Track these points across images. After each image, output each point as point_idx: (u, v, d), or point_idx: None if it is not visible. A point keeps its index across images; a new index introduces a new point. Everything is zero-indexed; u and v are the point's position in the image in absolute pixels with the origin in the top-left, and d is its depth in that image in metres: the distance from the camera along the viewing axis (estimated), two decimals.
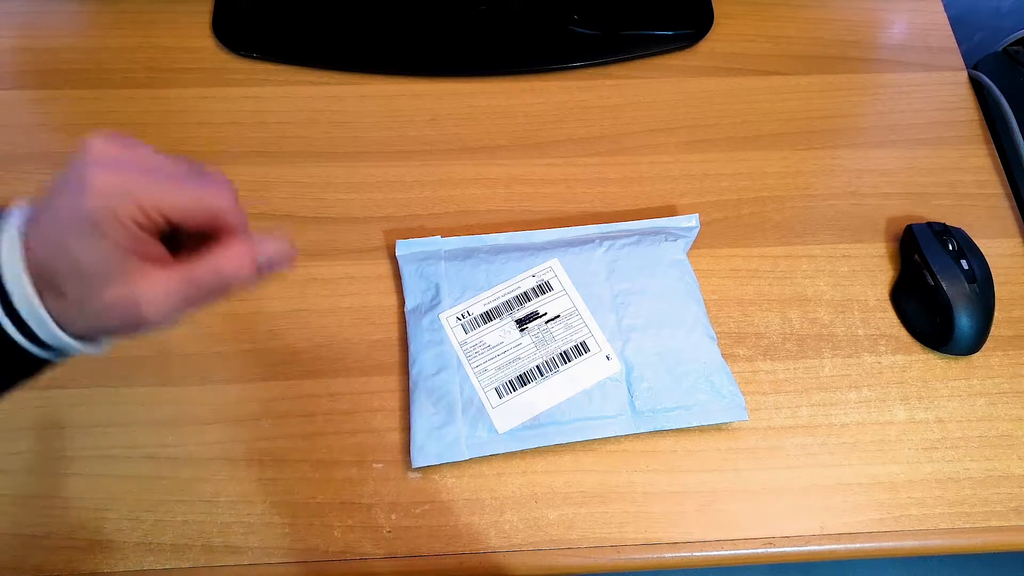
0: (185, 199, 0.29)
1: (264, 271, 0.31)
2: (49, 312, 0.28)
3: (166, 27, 0.64)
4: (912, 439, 0.49)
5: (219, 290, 0.30)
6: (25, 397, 0.48)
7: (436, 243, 0.53)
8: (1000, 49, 0.64)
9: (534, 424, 0.47)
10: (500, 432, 0.47)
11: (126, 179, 0.28)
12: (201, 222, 0.30)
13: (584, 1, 0.65)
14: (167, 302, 0.29)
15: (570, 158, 0.59)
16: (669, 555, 0.46)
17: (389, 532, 0.46)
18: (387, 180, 0.57)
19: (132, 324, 0.29)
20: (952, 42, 0.66)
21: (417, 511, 0.46)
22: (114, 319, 0.29)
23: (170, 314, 0.29)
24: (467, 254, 0.53)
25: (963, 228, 0.55)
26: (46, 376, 0.49)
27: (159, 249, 0.29)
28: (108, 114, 0.59)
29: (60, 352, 0.30)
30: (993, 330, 0.52)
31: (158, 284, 0.28)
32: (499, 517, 0.46)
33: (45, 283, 0.28)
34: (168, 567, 0.44)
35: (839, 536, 0.47)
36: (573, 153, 0.59)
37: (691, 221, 0.54)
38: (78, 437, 0.47)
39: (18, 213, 0.28)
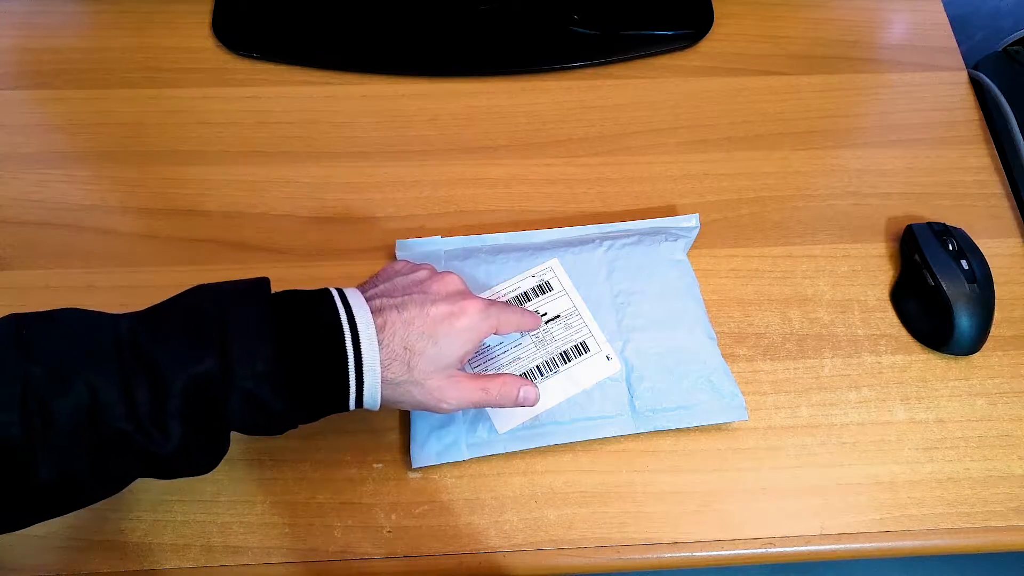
0: (515, 324, 0.45)
1: (519, 404, 0.43)
2: (382, 382, 0.38)
3: (166, 27, 0.64)
4: (912, 439, 0.49)
5: (489, 404, 0.42)
6: None
7: (436, 243, 0.53)
8: (1000, 49, 0.64)
9: (534, 424, 0.47)
10: (500, 432, 0.47)
11: (488, 307, 0.41)
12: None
13: (584, 1, 0.65)
14: (461, 400, 0.40)
15: (570, 158, 0.59)
16: (669, 555, 0.46)
17: (389, 532, 0.46)
18: (387, 180, 0.57)
19: (431, 405, 0.40)
20: (952, 42, 0.66)
21: (417, 511, 0.46)
22: (425, 397, 0.39)
23: (456, 407, 0.41)
24: (467, 254, 0.53)
25: (963, 228, 0.55)
26: None
27: (464, 364, 0.42)
28: (108, 114, 0.59)
29: (360, 407, 0.39)
30: (993, 330, 0.52)
31: (464, 387, 0.40)
32: (499, 517, 0.46)
33: (396, 358, 0.38)
34: (168, 567, 0.44)
35: (839, 536, 0.47)
36: (573, 153, 0.59)
37: (691, 221, 0.54)
38: None
39: (358, 298, 0.38)
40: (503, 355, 0.49)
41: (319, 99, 0.61)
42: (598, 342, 0.49)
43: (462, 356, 0.40)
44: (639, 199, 0.57)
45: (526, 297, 0.50)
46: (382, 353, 0.37)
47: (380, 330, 0.37)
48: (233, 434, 0.45)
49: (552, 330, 0.50)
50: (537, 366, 0.48)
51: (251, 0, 0.65)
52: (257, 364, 0.35)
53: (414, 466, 0.46)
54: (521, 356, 0.49)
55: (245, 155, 0.58)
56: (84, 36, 0.63)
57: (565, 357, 0.49)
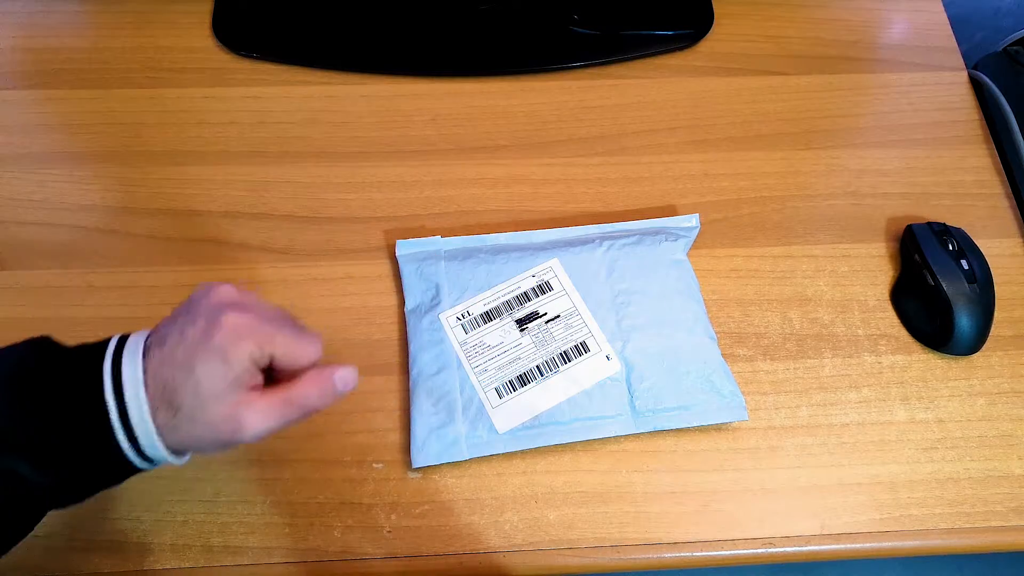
0: (291, 348, 0.35)
1: (341, 391, 0.36)
2: (156, 428, 0.33)
3: (166, 27, 0.64)
4: (912, 439, 0.49)
5: (306, 413, 0.36)
6: None
7: (436, 243, 0.53)
8: (1000, 49, 0.64)
9: (534, 424, 0.47)
10: (500, 432, 0.47)
11: (250, 322, 0.34)
12: (295, 366, 0.36)
13: (584, 1, 0.65)
14: (263, 423, 0.34)
15: (570, 158, 0.59)
16: (669, 555, 0.46)
17: (389, 532, 0.46)
18: (387, 180, 0.57)
19: (228, 439, 0.34)
20: (952, 42, 0.66)
21: (417, 511, 0.46)
22: (216, 433, 0.34)
23: (262, 433, 0.34)
24: (467, 254, 0.53)
25: (963, 228, 0.55)
26: None
27: (259, 379, 0.35)
28: (108, 114, 0.59)
29: (153, 463, 0.34)
30: (993, 330, 0.52)
31: (259, 408, 0.34)
32: (499, 517, 0.46)
33: (160, 399, 0.33)
34: (168, 567, 0.44)
35: (839, 536, 0.47)
36: (573, 153, 0.59)
37: (691, 221, 0.54)
38: None
39: (135, 340, 0.34)
40: (502, 356, 0.49)
41: (319, 99, 0.61)
42: (598, 342, 0.49)
43: (235, 378, 0.33)
44: (639, 199, 0.57)
45: (526, 297, 0.50)
46: (149, 398, 0.33)
47: (145, 372, 0.33)
48: None
49: (552, 330, 0.50)
50: (537, 366, 0.48)
51: (251, 0, 0.65)
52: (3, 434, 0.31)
53: (414, 466, 0.46)
54: (521, 356, 0.49)
55: (245, 155, 0.58)
56: (84, 36, 0.63)
57: (565, 357, 0.49)
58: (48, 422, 0.32)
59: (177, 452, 0.35)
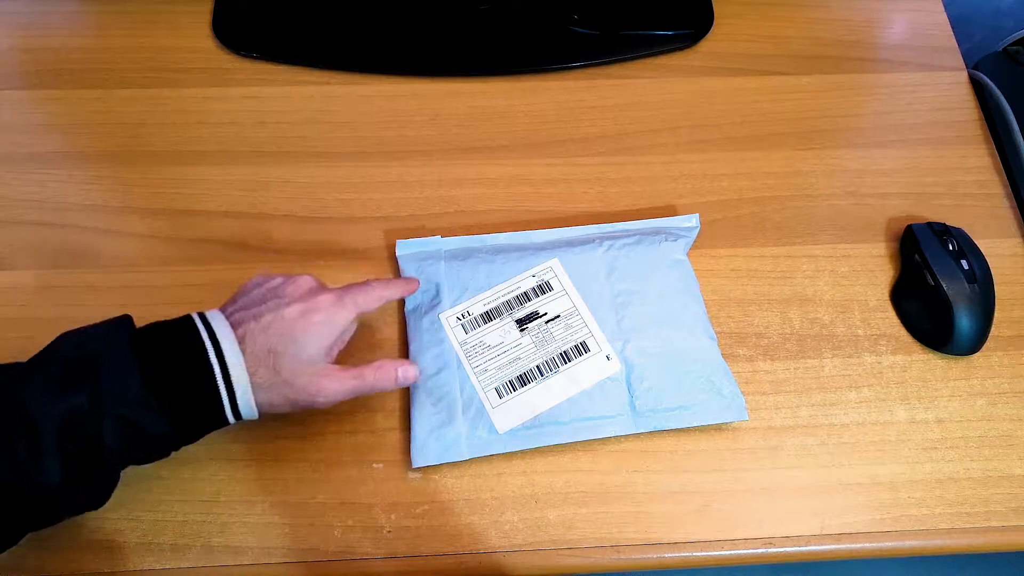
0: (376, 296, 0.45)
1: (400, 384, 0.44)
2: (252, 387, 0.39)
3: (166, 27, 0.64)
4: (912, 439, 0.49)
5: (371, 390, 0.43)
6: None
7: (436, 243, 0.53)
8: (1000, 49, 0.64)
9: (534, 424, 0.47)
10: (500, 432, 0.47)
11: (342, 296, 0.43)
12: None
13: (584, 1, 0.65)
14: (336, 393, 0.41)
15: (570, 158, 0.59)
16: (669, 555, 0.46)
17: (389, 532, 0.46)
18: (387, 180, 0.57)
19: (309, 401, 0.41)
20: (952, 42, 0.66)
21: (417, 511, 0.46)
22: (302, 394, 0.40)
23: (335, 399, 0.42)
24: (467, 254, 0.53)
25: (963, 228, 0.55)
26: None
27: (335, 356, 0.44)
28: (108, 114, 0.59)
29: (239, 419, 0.40)
30: (993, 330, 0.52)
31: (335, 380, 0.41)
32: (499, 517, 0.46)
33: (261, 363, 0.39)
34: (168, 567, 0.44)
35: (839, 536, 0.47)
36: (573, 153, 0.59)
37: (691, 221, 0.54)
38: None
39: (215, 315, 0.40)
40: (502, 356, 0.49)
41: (319, 99, 0.61)
42: (598, 342, 0.49)
43: (326, 348, 0.42)
44: (639, 199, 0.57)
45: (526, 297, 0.50)
46: (247, 361, 0.39)
47: (241, 340, 0.39)
48: (233, 434, 0.45)
49: (552, 330, 0.50)
50: (537, 366, 0.48)
51: (251, 0, 0.65)
52: (129, 391, 0.37)
53: (414, 466, 0.46)
54: (521, 356, 0.49)
55: (245, 155, 0.58)
56: (84, 36, 0.63)
57: (565, 357, 0.49)
58: (166, 382, 0.38)
59: (260, 411, 0.40)
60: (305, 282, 0.43)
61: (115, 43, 0.63)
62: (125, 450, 0.38)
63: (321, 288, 0.43)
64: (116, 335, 0.39)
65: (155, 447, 0.39)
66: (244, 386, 0.39)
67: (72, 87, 0.60)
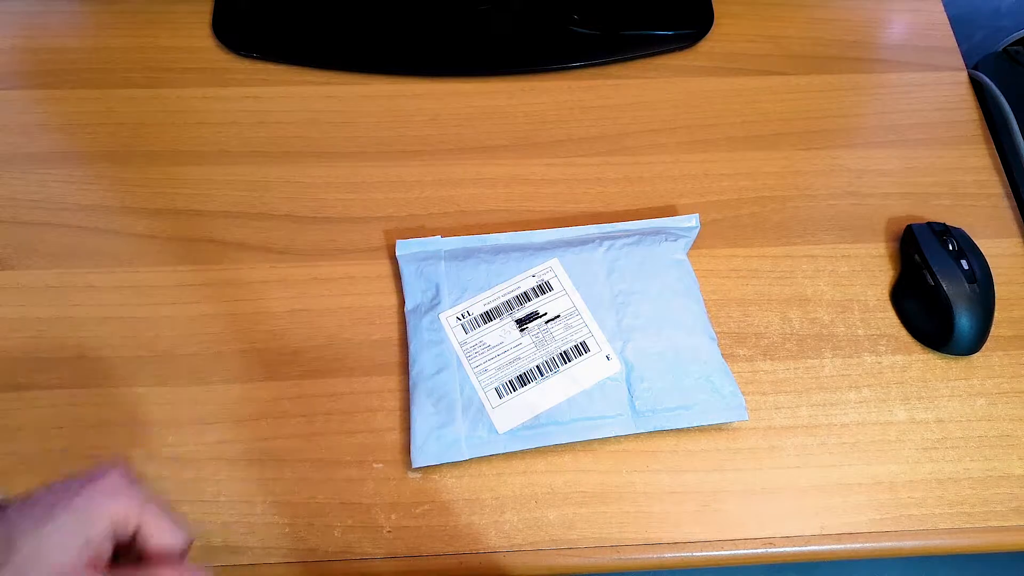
0: (160, 523, 0.32)
1: None
2: None
3: (166, 27, 0.64)
4: (912, 439, 0.49)
5: None
6: (25, 397, 0.48)
7: (436, 243, 0.53)
8: (1000, 49, 0.64)
9: (534, 424, 0.47)
10: (500, 432, 0.47)
11: (126, 487, 0.32)
12: (158, 547, 0.32)
13: (584, 1, 0.65)
14: None
15: (570, 158, 0.59)
16: (669, 555, 0.46)
17: (389, 532, 0.46)
18: (387, 180, 0.57)
19: None
20: (952, 42, 0.66)
21: (417, 511, 0.46)
22: None
23: None
24: (467, 254, 0.53)
25: (963, 228, 0.55)
26: (46, 376, 0.49)
27: (107, 553, 0.31)
28: (108, 114, 0.59)
29: None
30: (993, 330, 0.52)
31: None
32: (499, 517, 0.46)
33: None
34: None
35: (839, 536, 0.47)
36: (573, 153, 0.59)
37: (691, 221, 0.54)
38: (79, 437, 0.47)
39: None
40: (502, 356, 0.49)
41: (319, 99, 0.61)
42: (598, 342, 0.49)
43: (87, 540, 0.30)
44: (639, 199, 0.57)
45: (526, 297, 0.50)
46: None
47: None
48: (233, 434, 0.45)
49: (552, 330, 0.50)
50: (537, 366, 0.48)
51: (251, 0, 0.65)
52: None
53: (414, 466, 0.46)
54: (521, 356, 0.49)
55: (245, 155, 0.58)
56: (84, 36, 0.63)
57: (565, 357, 0.49)
58: None
59: None
60: (104, 469, 0.33)
61: (115, 43, 0.63)
62: None
63: (117, 474, 0.33)
64: None
65: None
66: None
67: (72, 87, 0.60)
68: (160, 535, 0.32)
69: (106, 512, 0.31)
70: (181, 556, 0.34)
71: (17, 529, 0.30)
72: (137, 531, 0.32)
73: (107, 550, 0.31)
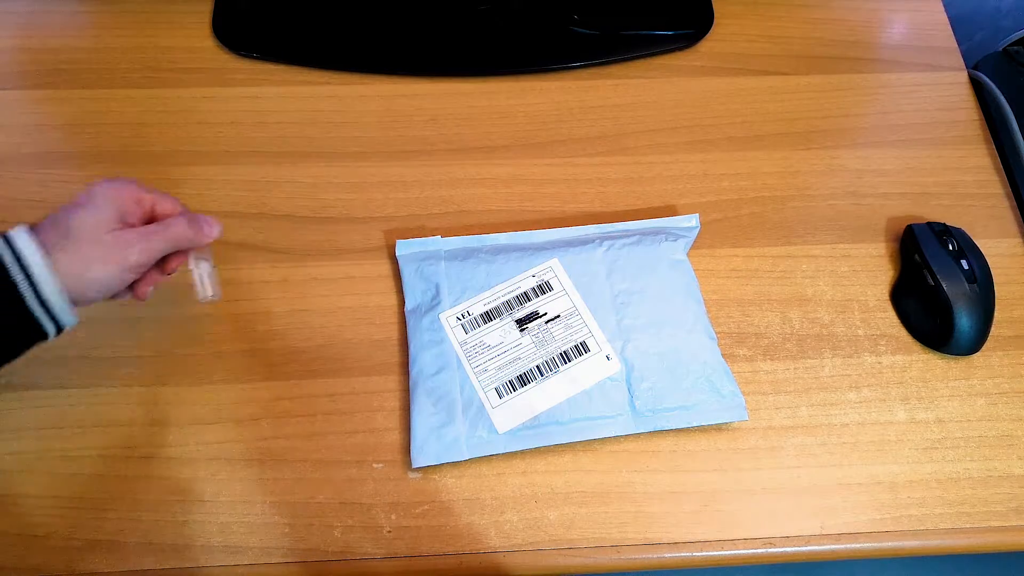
0: (167, 203, 0.43)
1: (206, 236, 0.44)
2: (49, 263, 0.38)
3: (166, 27, 0.64)
4: (912, 439, 0.49)
5: (175, 242, 0.42)
6: (25, 397, 0.48)
7: (436, 243, 0.53)
8: (1000, 49, 0.64)
9: (534, 424, 0.47)
10: (500, 432, 0.47)
11: (114, 185, 0.42)
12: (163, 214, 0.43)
13: (584, 1, 0.65)
14: (143, 247, 0.40)
15: (570, 158, 0.59)
16: (669, 555, 0.46)
17: (389, 532, 0.46)
18: (387, 180, 0.57)
19: (119, 261, 0.40)
20: (952, 42, 0.66)
21: (417, 511, 0.46)
22: (102, 255, 0.39)
23: (144, 257, 0.41)
24: (467, 254, 0.53)
25: (963, 228, 0.55)
26: (46, 376, 0.49)
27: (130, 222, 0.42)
28: (108, 114, 0.59)
29: (59, 329, 0.39)
30: (993, 330, 0.52)
31: (137, 234, 0.41)
32: (499, 517, 0.46)
33: (49, 232, 0.39)
34: (168, 567, 0.44)
35: (839, 536, 0.47)
36: (573, 153, 0.59)
37: (691, 221, 0.54)
38: (78, 437, 0.47)
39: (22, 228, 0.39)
40: (502, 356, 0.49)
41: (319, 99, 0.61)
42: (598, 342, 0.49)
43: (113, 212, 0.40)
44: (639, 199, 0.57)
45: (526, 297, 0.50)
46: (38, 235, 0.39)
47: (32, 228, 0.39)
48: (233, 434, 0.45)
49: (552, 330, 0.50)
50: (537, 366, 0.48)
51: (251, 0, 0.65)
52: None
53: (414, 466, 0.46)
54: (521, 356, 0.49)
55: (245, 155, 0.58)
56: (84, 36, 0.63)
57: (565, 357, 0.49)
58: None
59: (71, 298, 0.39)
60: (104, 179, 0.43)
61: (115, 43, 0.63)
62: None
63: (112, 180, 0.43)
64: None
65: None
66: (24, 237, 0.38)
67: (72, 87, 0.60)
68: (164, 202, 0.43)
69: (124, 191, 0.41)
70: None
71: (65, 220, 0.39)
72: (153, 209, 0.43)
73: (133, 214, 0.42)
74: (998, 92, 0.61)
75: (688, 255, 0.54)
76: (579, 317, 0.50)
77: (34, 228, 0.39)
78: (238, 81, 0.61)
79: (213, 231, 0.45)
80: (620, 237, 0.53)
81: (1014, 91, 0.60)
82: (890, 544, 0.47)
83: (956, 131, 0.61)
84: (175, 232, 0.42)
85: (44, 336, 0.39)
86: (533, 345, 0.49)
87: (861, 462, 0.48)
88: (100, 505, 0.46)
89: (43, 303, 0.38)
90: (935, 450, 0.49)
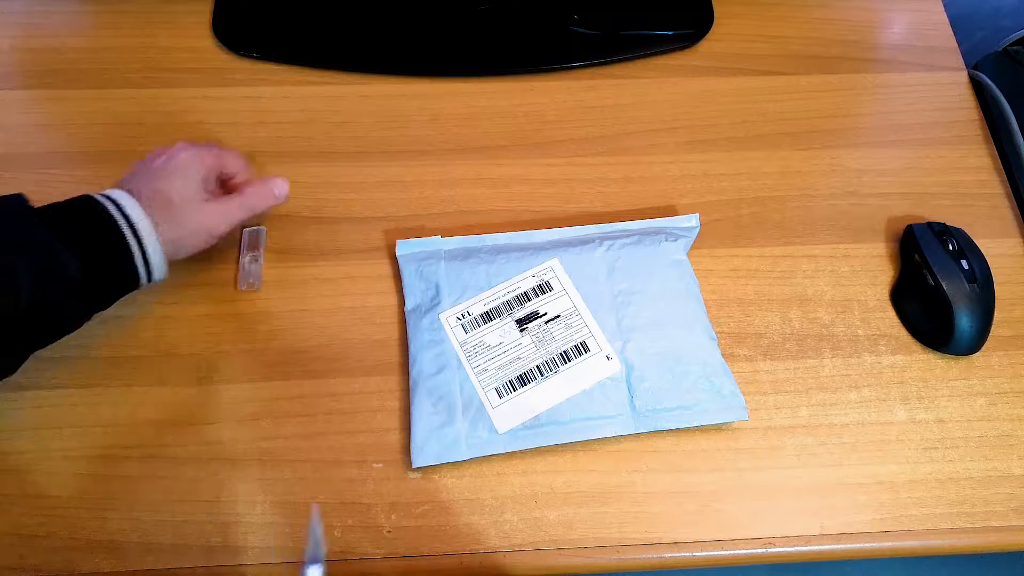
0: (227, 162, 0.50)
1: (278, 198, 0.51)
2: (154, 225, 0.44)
3: (166, 27, 0.64)
4: (912, 439, 0.49)
5: (252, 210, 0.49)
6: (25, 397, 0.48)
7: (436, 243, 0.53)
8: (1000, 49, 0.64)
9: (534, 424, 0.47)
10: (500, 432, 0.47)
11: (197, 152, 0.48)
12: (234, 176, 0.51)
13: (584, 1, 0.65)
14: (225, 215, 0.47)
15: (570, 158, 0.59)
16: (669, 555, 0.46)
17: (389, 532, 0.46)
18: (387, 180, 0.57)
19: (204, 228, 0.46)
20: (952, 42, 0.66)
21: (417, 511, 0.46)
22: (195, 224, 0.46)
23: (226, 222, 0.47)
24: (467, 254, 0.53)
25: (963, 228, 0.55)
26: (46, 376, 0.49)
27: (212, 190, 0.49)
28: (108, 114, 0.59)
29: (149, 265, 0.44)
30: (993, 330, 0.52)
31: (219, 203, 0.47)
32: (499, 517, 0.46)
33: (151, 200, 0.44)
34: (168, 567, 0.44)
35: (839, 536, 0.47)
36: (573, 153, 0.59)
37: (691, 221, 0.54)
38: (78, 437, 0.47)
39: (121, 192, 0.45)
40: (503, 355, 0.49)
41: (319, 99, 0.61)
42: (598, 342, 0.49)
43: (200, 182, 0.47)
44: (639, 199, 0.57)
45: (526, 297, 0.50)
46: (141, 203, 0.44)
47: (132, 193, 0.44)
48: (233, 434, 0.45)
49: (552, 330, 0.50)
50: (537, 366, 0.48)
51: (251, 0, 0.65)
52: (36, 240, 0.40)
53: (414, 466, 0.46)
54: (521, 356, 0.49)
55: (245, 155, 0.58)
56: (84, 36, 0.63)
57: (565, 357, 0.49)
58: (78, 231, 0.42)
59: (166, 250, 0.45)
60: (174, 147, 0.48)
61: (115, 43, 0.63)
62: (41, 299, 0.40)
63: (185, 146, 0.49)
64: (8, 202, 0.42)
65: (70, 295, 0.41)
66: (139, 214, 0.43)
67: (72, 87, 0.60)
68: (230, 162, 0.50)
69: (207, 159, 0.48)
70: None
71: (164, 191, 0.45)
72: (222, 166, 0.49)
73: (211, 180, 0.48)
74: (998, 92, 0.61)
75: (688, 255, 0.54)
76: (579, 317, 0.50)
77: (132, 192, 0.44)
78: (238, 81, 0.61)
79: (282, 194, 0.51)
80: (620, 237, 0.53)
81: (1014, 91, 0.60)
82: (890, 544, 0.47)
83: (956, 131, 0.61)
84: (253, 202, 0.49)
85: (136, 287, 0.45)
86: (533, 345, 0.49)
87: (861, 462, 0.48)
88: (100, 505, 0.46)
89: (147, 264, 0.44)
90: (935, 450, 0.49)
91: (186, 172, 0.46)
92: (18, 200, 0.42)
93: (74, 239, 0.41)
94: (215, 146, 0.49)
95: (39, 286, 0.39)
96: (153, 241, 0.44)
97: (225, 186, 0.51)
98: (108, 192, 0.44)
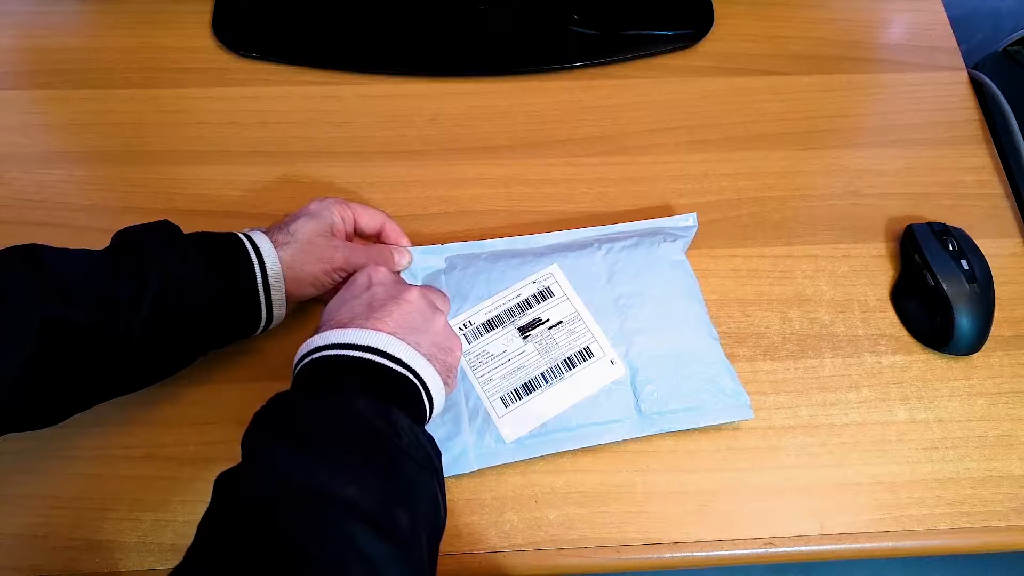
0: (361, 213, 0.51)
1: (397, 264, 0.51)
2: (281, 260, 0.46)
3: (166, 27, 0.64)
4: (912, 439, 0.49)
5: (368, 258, 0.49)
6: None
7: (436, 251, 0.52)
8: (1000, 49, 0.64)
9: (541, 432, 0.47)
10: (507, 441, 0.47)
11: (335, 201, 0.50)
12: (369, 230, 0.52)
13: (584, 1, 0.65)
14: (346, 251, 0.48)
15: (570, 158, 0.59)
16: (669, 555, 0.46)
17: None
18: (387, 180, 0.57)
19: (327, 261, 0.47)
20: (952, 42, 0.66)
21: None
22: (316, 255, 0.47)
23: (347, 257, 0.47)
24: (466, 262, 0.52)
25: (963, 228, 0.55)
26: None
27: (343, 233, 0.50)
28: (108, 114, 0.59)
29: (271, 307, 0.46)
30: (993, 330, 0.52)
31: (344, 246, 0.48)
32: (499, 517, 0.46)
33: (277, 231, 0.47)
34: (168, 567, 0.44)
35: (839, 536, 0.47)
36: (573, 153, 0.59)
37: (688, 220, 0.54)
38: (78, 437, 0.47)
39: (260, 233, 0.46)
40: (507, 364, 0.48)
41: (319, 99, 0.61)
42: (601, 346, 0.49)
43: (327, 226, 0.48)
44: (639, 199, 0.57)
45: (527, 304, 0.50)
46: (269, 235, 0.46)
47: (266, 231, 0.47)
48: (233, 434, 0.45)
49: (555, 336, 0.49)
50: (542, 373, 0.48)
51: (251, 0, 0.65)
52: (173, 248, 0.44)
53: None
54: (525, 364, 0.48)
55: (245, 155, 0.58)
56: (84, 36, 0.63)
57: (569, 363, 0.48)
58: (219, 267, 0.44)
59: (288, 290, 0.46)
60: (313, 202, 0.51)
61: (115, 43, 0.63)
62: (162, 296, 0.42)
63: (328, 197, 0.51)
64: (159, 226, 0.46)
65: (196, 302, 0.43)
66: (262, 238, 0.45)
67: (72, 87, 0.60)
68: (365, 215, 0.51)
69: (335, 207, 0.49)
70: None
71: (288, 225, 0.47)
72: (355, 222, 0.51)
73: (341, 230, 0.49)
74: (998, 92, 0.61)
75: (688, 255, 0.54)
76: (581, 322, 0.50)
77: (266, 231, 0.47)
78: (238, 81, 0.61)
79: (402, 262, 0.51)
80: (619, 240, 0.53)
81: (1014, 91, 0.60)
82: (890, 544, 0.47)
83: (956, 131, 0.61)
84: (373, 255, 0.49)
85: (256, 324, 0.46)
86: (537, 352, 0.49)
87: (861, 462, 0.48)
88: (100, 505, 0.46)
89: (266, 287, 0.45)
90: (935, 450, 0.49)
91: (312, 214, 0.48)
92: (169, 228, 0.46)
93: (198, 248, 0.45)
94: (348, 202, 0.51)
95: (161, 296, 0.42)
96: (274, 262, 0.45)
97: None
98: (248, 230, 0.47)
